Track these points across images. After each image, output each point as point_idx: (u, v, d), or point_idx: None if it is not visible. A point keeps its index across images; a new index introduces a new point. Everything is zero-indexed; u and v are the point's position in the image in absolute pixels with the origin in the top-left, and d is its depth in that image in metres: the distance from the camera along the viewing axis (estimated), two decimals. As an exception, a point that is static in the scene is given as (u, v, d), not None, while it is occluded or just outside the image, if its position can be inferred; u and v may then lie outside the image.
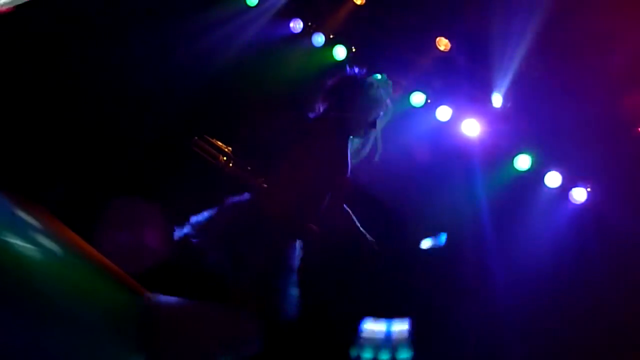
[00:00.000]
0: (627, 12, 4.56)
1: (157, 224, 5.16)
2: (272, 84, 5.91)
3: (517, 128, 5.47)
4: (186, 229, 3.11)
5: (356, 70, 3.35)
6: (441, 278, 5.34)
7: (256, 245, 2.95)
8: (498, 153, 5.49)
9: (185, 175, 5.64)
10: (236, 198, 3.15)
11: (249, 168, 5.65)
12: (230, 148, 5.71)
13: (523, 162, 5.37)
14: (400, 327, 2.92)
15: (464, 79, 5.65)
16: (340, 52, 5.99)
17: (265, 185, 3.27)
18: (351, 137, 3.20)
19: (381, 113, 3.30)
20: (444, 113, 5.66)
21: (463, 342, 5.13)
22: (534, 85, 5.34)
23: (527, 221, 5.35)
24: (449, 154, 5.65)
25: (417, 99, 5.78)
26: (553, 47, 5.17)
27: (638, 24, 4.58)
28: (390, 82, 3.37)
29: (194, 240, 3.06)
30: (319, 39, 6.05)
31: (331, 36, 6.08)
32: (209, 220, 3.08)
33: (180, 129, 5.80)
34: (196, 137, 5.69)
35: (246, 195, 3.15)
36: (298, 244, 3.13)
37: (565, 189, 5.24)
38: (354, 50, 6.02)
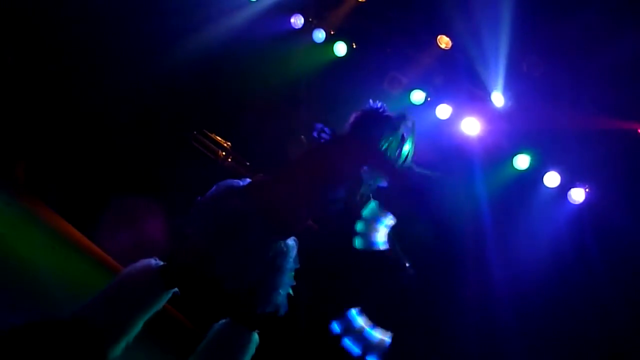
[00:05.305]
0: (626, 11, 4.56)
1: (156, 218, 5.17)
2: (272, 79, 5.90)
3: (516, 128, 5.45)
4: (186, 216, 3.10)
5: (388, 112, 3.30)
6: (440, 276, 5.34)
7: (240, 242, 2.95)
8: (497, 152, 5.47)
9: (184, 169, 5.63)
10: (234, 182, 3.15)
11: (247, 163, 5.65)
12: (229, 143, 5.70)
13: (522, 161, 5.35)
14: (382, 336, 2.90)
15: (464, 77, 5.64)
16: (341, 49, 5.98)
17: (262, 178, 3.24)
18: (364, 168, 3.17)
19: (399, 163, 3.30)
20: (443, 111, 5.65)
21: (462, 340, 5.12)
22: (534, 85, 5.33)
23: (526, 221, 5.34)
24: (448, 153, 5.63)
25: (417, 96, 5.77)
26: (553, 46, 5.16)
27: (636, 23, 4.58)
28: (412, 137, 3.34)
29: (187, 230, 3.06)
30: (319, 35, 6.03)
31: (332, 32, 6.06)
32: (203, 205, 3.07)
33: (179, 123, 5.80)
34: (195, 132, 5.69)
35: (244, 182, 3.14)
36: (292, 242, 3.12)
37: (563, 188, 5.23)
38: (354, 46, 6.01)
